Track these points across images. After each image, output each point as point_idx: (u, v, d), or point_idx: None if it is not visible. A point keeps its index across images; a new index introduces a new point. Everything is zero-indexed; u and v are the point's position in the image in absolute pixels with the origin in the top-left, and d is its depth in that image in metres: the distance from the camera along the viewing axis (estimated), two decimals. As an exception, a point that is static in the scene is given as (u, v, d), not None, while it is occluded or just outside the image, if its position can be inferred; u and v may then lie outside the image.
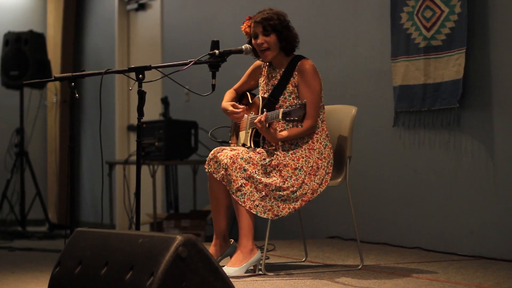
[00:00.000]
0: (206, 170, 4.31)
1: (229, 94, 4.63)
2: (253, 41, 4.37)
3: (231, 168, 4.14)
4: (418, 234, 5.35)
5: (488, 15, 4.91)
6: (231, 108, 4.49)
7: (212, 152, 4.30)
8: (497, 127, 4.86)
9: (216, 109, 5.32)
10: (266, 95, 4.40)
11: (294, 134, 4.27)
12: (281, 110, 4.07)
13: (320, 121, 4.33)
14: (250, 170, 4.14)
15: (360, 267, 4.41)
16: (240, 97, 4.63)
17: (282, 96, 4.35)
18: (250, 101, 4.53)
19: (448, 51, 5.07)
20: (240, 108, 4.48)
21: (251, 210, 4.15)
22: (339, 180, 4.39)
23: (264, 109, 4.26)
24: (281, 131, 4.30)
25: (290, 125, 4.27)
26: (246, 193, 4.14)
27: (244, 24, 4.42)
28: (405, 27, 5.37)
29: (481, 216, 4.96)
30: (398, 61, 5.41)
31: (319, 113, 4.32)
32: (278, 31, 4.31)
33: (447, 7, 5.08)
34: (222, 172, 4.19)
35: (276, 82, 4.38)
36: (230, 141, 4.62)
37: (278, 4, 4.59)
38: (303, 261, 4.75)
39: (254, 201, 4.15)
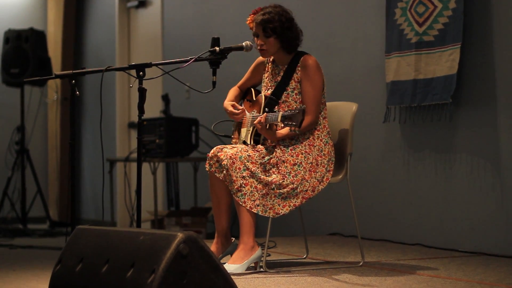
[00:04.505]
0: (207, 169, 4.31)
1: (232, 92, 4.61)
2: (254, 38, 4.37)
3: (231, 169, 4.14)
4: (419, 231, 5.35)
5: (484, 11, 4.90)
6: (230, 109, 4.48)
7: (212, 151, 4.30)
8: (494, 123, 4.85)
9: (216, 106, 5.32)
10: (269, 92, 4.40)
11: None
12: (281, 113, 4.07)
13: (321, 118, 4.33)
14: (251, 168, 4.14)
15: (361, 264, 4.41)
16: (244, 93, 4.63)
17: (285, 92, 4.34)
18: (254, 98, 4.52)
19: (440, 46, 5.07)
20: (239, 109, 4.47)
21: (252, 210, 4.15)
22: (340, 176, 4.38)
23: (266, 109, 4.26)
24: (280, 129, 4.29)
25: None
26: (246, 193, 4.14)
27: (249, 18, 4.41)
28: (398, 23, 5.37)
29: (482, 212, 4.95)
30: (391, 57, 5.41)
31: (320, 109, 4.31)
32: (278, 34, 4.30)
33: (440, 2, 5.08)
34: (224, 172, 4.18)
35: (279, 79, 4.38)
36: (232, 136, 4.62)
37: (276, 1, 4.57)
38: (304, 258, 4.75)
39: (254, 200, 4.15)
